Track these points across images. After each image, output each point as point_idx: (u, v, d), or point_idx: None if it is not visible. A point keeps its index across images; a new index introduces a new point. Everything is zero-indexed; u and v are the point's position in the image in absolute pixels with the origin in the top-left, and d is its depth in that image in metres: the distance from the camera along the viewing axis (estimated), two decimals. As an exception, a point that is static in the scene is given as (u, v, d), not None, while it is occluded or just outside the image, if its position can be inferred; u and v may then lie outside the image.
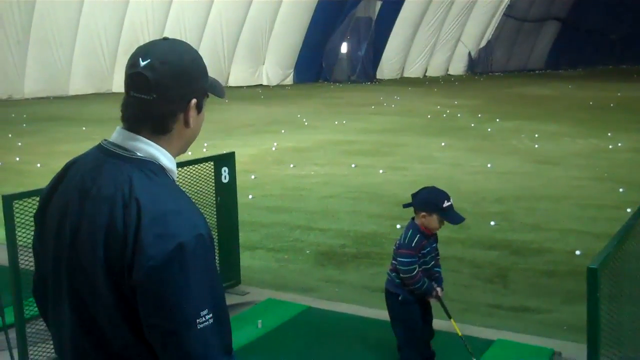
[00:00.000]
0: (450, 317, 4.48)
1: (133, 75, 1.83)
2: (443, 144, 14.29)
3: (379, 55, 33.39)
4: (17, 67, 22.47)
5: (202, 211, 2.54)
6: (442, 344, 4.68)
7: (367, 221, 8.52)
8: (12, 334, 4.41)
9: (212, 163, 5.96)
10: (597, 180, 10.86)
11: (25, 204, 4.30)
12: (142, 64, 1.81)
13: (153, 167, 1.84)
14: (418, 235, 4.28)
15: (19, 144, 14.17)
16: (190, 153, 2.52)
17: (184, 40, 1.97)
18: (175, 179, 1.93)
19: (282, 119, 18.46)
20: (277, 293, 6.07)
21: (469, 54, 38.48)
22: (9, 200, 4.27)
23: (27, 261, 4.18)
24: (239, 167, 6.36)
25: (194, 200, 1.91)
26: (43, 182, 2.23)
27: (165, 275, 1.70)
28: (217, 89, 1.98)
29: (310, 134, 15.69)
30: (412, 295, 4.34)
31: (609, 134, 15.24)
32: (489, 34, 38.88)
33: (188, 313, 1.71)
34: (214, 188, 5.97)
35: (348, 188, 10.30)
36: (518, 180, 10.86)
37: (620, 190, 9.94)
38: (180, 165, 5.20)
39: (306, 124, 17.65)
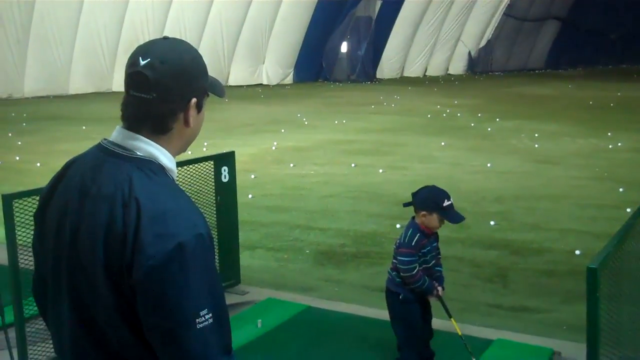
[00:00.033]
0: (450, 317, 4.48)
1: (133, 74, 1.83)
2: (443, 143, 14.29)
3: (378, 54, 33.39)
4: (17, 66, 22.46)
5: (202, 210, 2.54)
6: (442, 344, 4.68)
7: (367, 221, 8.52)
8: (12, 333, 4.41)
9: (212, 162, 5.96)
10: (596, 180, 10.86)
11: (25, 203, 4.30)
12: (142, 63, 1.81)
13: (153, 167, 1.84)
14: (418, 235, 4.28)
15: (19, 143, 14.17)
16: (190, 152, 2.52)
17: (184, 39, 1.97)
18: (175, 179, 1.93)
19: (282, 118, 18.46)
20: (277, 292, 6.07)
21: (469, 53, 38.48)
22: (8, 199, 4.27)
23: (26, 260, 4.18)
24: (238, 166, 6.36)
25: (193, 200, 1.91)
26: (43, 181, 2.23)
27: (164, 274, 1.70)
28: (217, 88, 1.98)
29: (310, 134, 15.69)
30: (412, 294, 4.34)
31: (609, 134, 15.24)
32: (489, 34, 38.88)
33: (188, 313, 1.71)
34: (213, 187, 5.96)
35: (348, 187, 10.30)
36: (518, 180, 10.86)
37: (620, 189, 9.94)
38: (180, 164, 5.20)
39: (306, 123, 17.65)
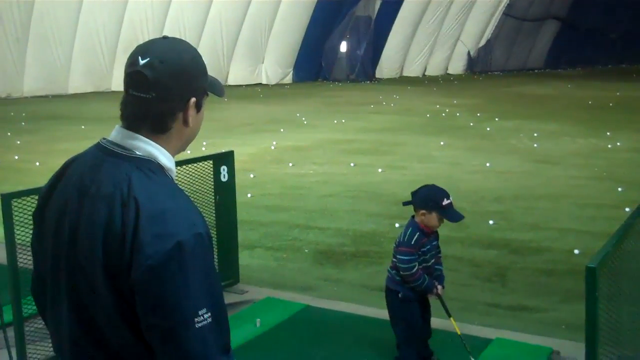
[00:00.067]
0: (449, 316, 4.49)
1: (132, 73, 1.83)
2: (442, 143, 14.29)
3: (378, 54, 33.39)
4: (17, 65, 22.45)
5: (201, 210, 2.54)
6: (441, 343, 4.69)
7: (366, 220, 8.52)
8: (11, 332, 4.41)
9: (211, 162, 5.96)
10: (596, 180, 10.86)
11: (24, 202, 4.30)
12: (142, 62, 1.81)
13: (152, 166, 1.84)
14: (418, 233, 4.29)
15: (18, 142, 14.16)
16: (189, 152, 2.52)
17: (184, 38, 1.97)
18: (174, 178, 1.93)
19: (281, 117, 18.45)
20: (276, 292, 6.07)
21: (468, 53, 38.47)
22: (7, 198, 4.27)
23: (25, 260, 4.17)
24: (238, 166, 6.36)
25: (192, 199, 1.91)
26: (42, 180, 2.23)
27: (163, 274, 1.70)
28: (217, 88, 1.98)
29: (310, 133, 15.69)
30: (412, 292, 4.35)
31: (608, 134, 15.25)
32: (488, 33, 38.87)
33: (186, 312, 1.71)
34: (212, 187, 5.97)
35: (347, 187, 10.31)
36: (517, 180, 10.86)
37: (619, 189, 9.94)
38: (179, 163, 5.20)
39: (305, 122, 17.65)
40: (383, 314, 4.64)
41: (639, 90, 26.25)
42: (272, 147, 13.73)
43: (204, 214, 2.03)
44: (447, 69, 38.06)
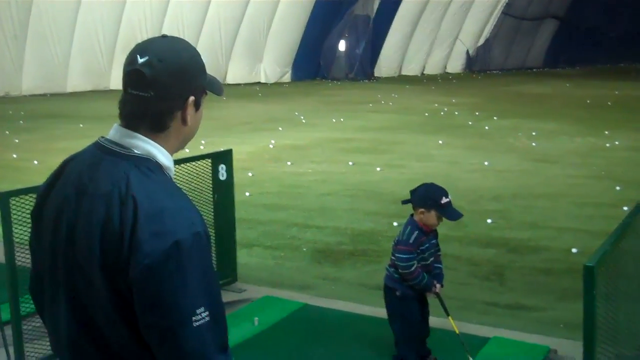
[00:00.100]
0: (448, 315, 4.49)
1: (131, 72, 1.83)
2: (440, 141, 14.30)
3: (376, 53, 33.37)
4: (15, 63, 22.42)
5: (199, 208, 2.55)
6: (439, 342, 4.69)
7: (364, 219, 8.52)
8: (8, 330, 4.41)
9: (209, 160, 5.96)
10: (594, 179, 10.87)
11: (22, 200, 4.30)
12: (140, 61, 1.81)
13: (150, 165, 1.84)
14: (416, 232, 4.29)
15: (16, 140, 14.15)
16: (187, 150, 2.52)
17: (182, 37, 1.97)
18: (173, 177, 1.93)
19: (279, 116, 18.44)
20: (274, 290, 6.07)
21: (467, 52, 38.45)
22: (5, 197, 4.26)
23: (23, 258, 4.18)
24: (236, 164, 6.36)
25: (191, 198, 1.91)
26: (40, 179, 2.23)
27: (161, 273, 1.70)
28: (215, 87, 1.98)
29: (308, 132, 15.68)
30: (410, 290, 4.35)
31: (607, 133, 15.25)
32: (487, 32, 38.86)
33: (184, 311, 1.71)
34: (211, 185, 5.97)
35: (345, 186, 10.31)
36: (515, 178, 10.87)
37: (617, 188, 9.95)
38: (177, 162, 5.20)
39: (304, 121, 17.64)
40: (381, 312, 4.64)
41: (637, 90, 26.25)
42: (271, 146, 13.72)
43: (202, 213, 2.03)
44: (445, 67, 38.04)
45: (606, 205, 9.07)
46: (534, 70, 41.59)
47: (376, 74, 33.42)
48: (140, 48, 1.85)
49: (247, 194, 9.41)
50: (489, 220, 8.31)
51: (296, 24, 29.58)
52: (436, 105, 21.26)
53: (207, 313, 1.73)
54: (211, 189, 5.97)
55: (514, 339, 5.07)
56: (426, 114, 19.15)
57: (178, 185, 1.94)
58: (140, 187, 1.77)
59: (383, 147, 13.69)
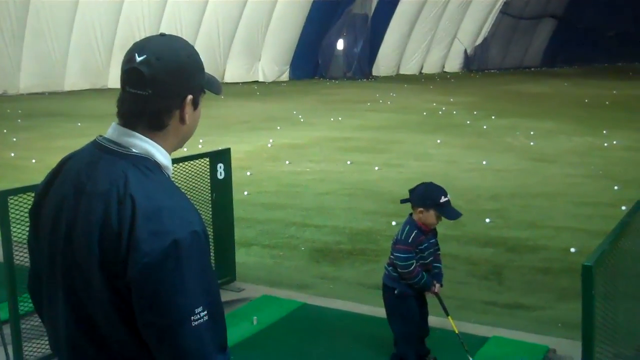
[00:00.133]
0: (447, 314, 4.49)
1: (129, 70, 1.82)
2: (439, 141, 14.30)
3: (375, 52, 33.39)
4: (12, 61, 22.39)
5: (198, 208, 2.54)
6: (438, 341, 4.69)
7: (363, 218, 8.52)
8: (7, 329, 4.41)
9: (207, 159, 5.95)
10: (592, 178, 10.87)
11: (20, 199, 4.29)
12: (138, 59, 1.81)
13: (148, 164, 1.84)
14: (415, 231, 4.29)
15: (14, 139, 14.13)
16: (185, 149, 2.51)
17: (180, 36, 1.96)
18: (171, 176, 1.93)
19: (277, 115, 18.44)
20: (272, 289, 6.07)
21: (465, 51, 38.48)
22: (4, 195, 4.26)
23: (22, 257, 4.17)
24: (234, 163, 6.35)
25: (189, 197, 1.91)
26: (38, 177, 2.22)
27: (160, 272, 1.70)
28: (214, 85, 1.97)
29: (306, 131, 15.68)
30: (409, 289, 4.35)
31: (605, 132, 15.26)
32: (485, 31, 38.89)
33: (183, 310, 1.71)
34: (209, 184, 5.96)
35: (343, 185, 10.30)
36: (513, 178, 10.87)
37: (615, 187, 9.95)
38: (175, 161, 5.20)
39: (302, 120, 17.64)
40: (380, 311, 4.64)
41: (635, 89, 26.28)
42: (269, 145, 13.72)
43: (200, 212, 2.02)
44: (443, 67, 38.07)
45: (604, 205, 9.08)
46: (532, 69, 41.63)
47: (374, 73, 33.44)
48: (138, 46, 1.84)
49: (246, 193, 9.40)
50: (487, 220, 8.31)
51: (294, 23, 29.58)
52: (434, 104, 21.26)
53: (205, 312, 1.73)
54: (209, 188, 5.96)
55: (513, 338, 5.07)
56: (424, 113, 19.15)
57: (176, 184, 1.93)
58: (139, 186, 1.77)
59: (381, 146, 13.69)
